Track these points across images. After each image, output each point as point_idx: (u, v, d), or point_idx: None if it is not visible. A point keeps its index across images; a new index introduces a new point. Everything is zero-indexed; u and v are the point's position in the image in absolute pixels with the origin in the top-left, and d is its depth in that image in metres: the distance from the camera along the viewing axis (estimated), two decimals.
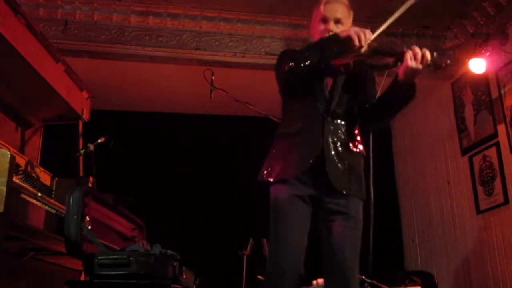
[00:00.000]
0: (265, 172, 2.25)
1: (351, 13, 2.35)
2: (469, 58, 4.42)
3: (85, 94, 3.29)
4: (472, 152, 4.72)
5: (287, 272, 2.09)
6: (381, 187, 6.08)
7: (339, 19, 2.26)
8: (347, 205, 2.18)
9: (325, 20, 2.26)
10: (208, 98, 3.44)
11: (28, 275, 2.48)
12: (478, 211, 4.59)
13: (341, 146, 2.20)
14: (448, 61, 2.10)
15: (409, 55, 2.03)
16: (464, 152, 4.85)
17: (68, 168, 3.08)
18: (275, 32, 4.67)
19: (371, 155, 2.24)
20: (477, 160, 4.65)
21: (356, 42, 2.01)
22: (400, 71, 2.10)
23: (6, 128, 2.93)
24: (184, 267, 2.55)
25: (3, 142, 2.48)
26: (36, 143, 3.24)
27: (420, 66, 2.03)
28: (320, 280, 3.85)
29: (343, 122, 2.24)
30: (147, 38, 4.48)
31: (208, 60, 4.51)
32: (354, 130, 2.30)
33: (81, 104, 3.24)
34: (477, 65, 4.35)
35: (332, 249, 2.14)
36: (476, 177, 4.64)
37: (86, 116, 3.27)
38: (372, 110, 2.30)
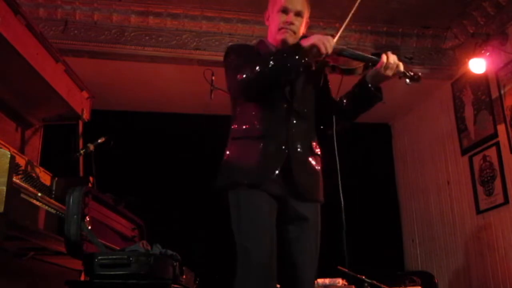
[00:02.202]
0: (226, 179, 2.11)
1: (309, 8, 2.25)
2: (469, 58, 4.42)
3: (85, 94, 3.29)
4: (472, 152, 4.72)
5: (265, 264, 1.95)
6: (381, 187, 6.13)
7: (299, 11, 2.18)
8: (310, 210, 2.11)
9: (285, 11, 2.16)
10: (208, 98, 3.44)
11: (28, 275, 2.48)
12: (478, 211, 4.59)
13: (305, 149, 2.12)
14: (420, 74, 2.10)
15: (383, 61, 2.00)
16: (464, 152, 4.85)
17: (68, 168, 3.08)
18: None
19: (337, 157, 2.12)
20: (477, 160, 4.65)
21: (323, 51, 1.95)
22: (370, 74, 2.08)
23: (6, 128, 2.93)
24: (184, 267, 2.56)
25: (3, 142, 2.48)
26: (36, 143, 3.24)
27: (391, 74, 2.03)
28: (321, 280, 3.85)
29: (305, 123, 2.16)
30: (147, 38, 4.48)
31: (208, 60, 4.51)
32: (315, 131, 2.22)
33: (81, 104, 3.24)
34: (477, 65, 4.35)
35: (291, 256, 2.05)
36: (476, 177, 4.64)
37: (86, 116, 3.26)
38: (335, 110, 2.22)
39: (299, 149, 2.09)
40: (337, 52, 2.04)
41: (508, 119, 4.26)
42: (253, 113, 2.11)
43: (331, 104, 2.23)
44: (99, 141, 3.03)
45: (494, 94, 4.43)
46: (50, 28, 4.28)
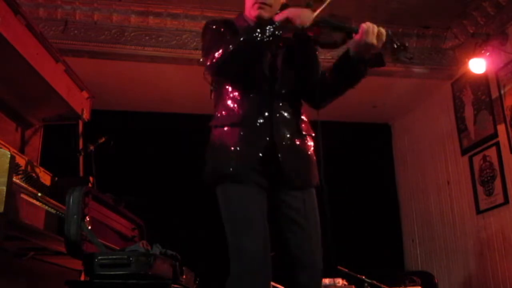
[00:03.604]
0: (210, 172, 2.01)
1: None
2: (469, 58, 4.42)
3: (85, 94, 3.29)
4: (472, 152, 4.72)
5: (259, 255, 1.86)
6: (381, 187, 6.13)
7: None
8: (303, 197, 1.97)
9: None
10: (208, 98, 3.44)
11: (28, 275, 2.48)
12: (478, 211, 4.59)
13: (292, 132, 1.99)
14: (407, 44, 1.97)
15: (363, 28, 1.86)
16: (464, 152, 4.85)
17: (68, 168, 3.08)
18: None
19: (320, 138, 2.01)
20: (477, 160, 4.65)
21: (297, 22, 1.84)
22: (353, 45, 1.91)
23: (6, 128, 2.93)
24: (184, 267, 2.56)
25: (3, 142, 2.48)
26: (36, 143, 3.24)
27: (375, 41, 1.87)
28: (326, 280, 3.84)
29: (289, 104, 2.02)
30: (147, 38, 4.48)
31: None
32: (301, 111, 2.08)
33: (81, 104, 3.24)
34: (477, 65, 4.35)
35: (294, 246, 1.93)
36: (476, 177, 4.64)
37: (86, 116, 3.26)
38: (318, 87, 2.07)
39: (284, 133, 1.97)
40: (317, 23, 1.92)
41: (508, 119, 4.26)
42: (232, 96, 2.00)
43: (316, 81, 2.09)
44: (99, 141, 3.03)
45: (494, 94, 4.43)
46: (50, 28, 4.28)
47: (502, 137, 4.33)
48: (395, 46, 1.95)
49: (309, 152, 2.05)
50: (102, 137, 3.06)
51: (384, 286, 3.92)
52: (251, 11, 2.08)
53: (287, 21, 1.87)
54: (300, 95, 2.11)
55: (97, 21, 4.41)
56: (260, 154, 1.92)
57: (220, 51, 1.90)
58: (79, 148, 3.09)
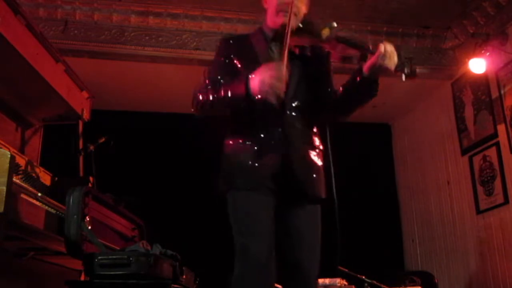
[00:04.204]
0: (224, 184, 2.07)
1: None
2: (469, 58, 4.42)
3: (85, 94, 3.29)
4: (472, 152, 4.72)
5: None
6: (381, 187, 6.12)
7: None
8: (311, 206, 2.04)
9: None
10: None
11: (28, 275, 2.48)
12: (478, 211, 4.59)
13: (304, 144, 2.04)
14: (417, 69, 1.98)
15: (381, 51, 1.87)
16: (464, 152, 4.86)
17: (68, 168, 3.08)
18: None
19: (329, 152, 2.04)
20: (477, 160, 4.65)
21: (272, 100, 1.84)
22: (366, 66, 1.94)
23: (6, 128, 2.93)
24: (184, 267, 2.56)
25: (3, 142, 2.48)
26: (36, 143, 3.24)
27: (392, 66, 1.89)
28: (321, 280, 3.85)
29: (301, 116, 2.05)
30: (147, 38, 4.48)
31: (208, 60, 4.46)
32: (313, 125, 2.13)
33: (81, 104, 3.24)
34: (477, 65, 4.35)
35: (293, 255, 1.99)
36: (476, 177, 4.64)
37: (86, 116, 3.26)
38: (331, 104, 2.10)
39: (297, 145, 2.02)
40: (337, 39, 1.96)
41: (508, 119, 4.26)
42: (247, 111, 2.02)
43: (328, 95, 2.12)
44: (99, 141, 3.03)
45: (494, 94, 4.43)
46: (50, 28, 4.28)
47: (502, 137, 4.33)
48: (406, 68, 1.95)
49: (320, 164, 2.08)
50: (102, 137, 3.06)
51: (384, 286, 3.92)
52: (275, 18, 2.07)
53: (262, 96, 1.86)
54: (313, 108, 2.11)
55: (97, 21, 4.41)
56: (274, 168, 1.96)
57: (203, 97, 2.09)
58: (79, 148, 3.09)
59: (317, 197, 2.06)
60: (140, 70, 4.77)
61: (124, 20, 4.46)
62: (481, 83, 4.60)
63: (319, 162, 2.08)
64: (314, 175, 2.05)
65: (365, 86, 2.00)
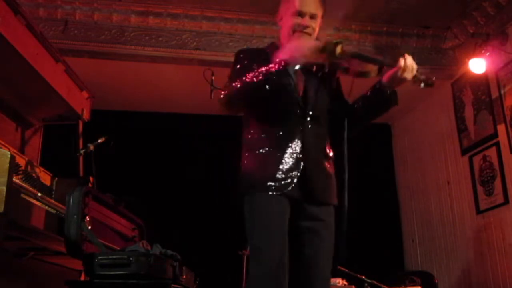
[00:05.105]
0: (245, 189, 2.11)
1: (323, 8, 2.23)
2: (469, 58, 4.42)
3: (85, 94, 3.29)
4: (472, 152, 4.72)
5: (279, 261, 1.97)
6: (381, 187, 6.12)
7: (314, 14, 2.16)
8: (325, 213, 2.11)
9: (301, 15, 2.14)
10: (208, 98, 3.44)
11: (28, 275, 2.48)
12: (478, 211, 4.59)
13: (320, 153, 2.13)
14: (434, 78, 2.06)
15: (401, 65, 1.98)
16: (464, 152, 4.86)
17: (68, 168, 3.08)
18: (275, 32, 4.64)
19: (345, 160, 2.11)
20: (477, 160, 4.65)
21: (297, 56, 1.97)
22: (386, 77, 2.05)
23: (6, 128, 2.93)
24: (184, 267, 2.56)
25: (3, 142, 2.48)
26: (36, 143, 3.24)
27: (410, 77, 2.00)
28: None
29: (320, 127, 2.15)
30: (147, 38, 4.48)
31: (208, 60, 4.51)
32: (328, 134, 2.22)
33: (81, 104, 3.24)
34: (477, 65, 4.35)
35: (307, 260, 2.05)
36: (476, 177, 4.64)
37: (86, 116, 3.26)
38: (347, 113, 2.20)
39: (314, 154, 2.09)
40: (351, 55, 2.03)
41: (508, 119, 4.26)
42: (267, 121, 2.11)
43: (344, 107, 2.22)
44: (99, 141, 3.03)
45: (494, 94, 4.43)
46: (50, 28, 4.28)
47: (502, 137, 4.33)
48: (423, 79, 2.04)
49: (332, 173, 2.18)
50: (102, 137, 3.05)
51: (384, 286, 3.92)
52: (291, 38, 2.15)
53: (289, 60, 1.97)
54: (329, 120, 2.20)
55: (97, 21, 4.41)
56: (294, 177, 2.02)
57: (234, 86, 2.06)
58: (79, 148, 3.09)
59: (329, 202, 2.13)
60: (140, 70, 4.78)
61: (124, 20, 4.46)
62: (481, 83, 4.60)
63: (332, 171, 2.17)
64: (328, 184, 2.13)
65: (384, 97, 2.11)
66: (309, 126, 2.11)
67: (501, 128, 4.35)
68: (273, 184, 2.02)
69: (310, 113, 2.12)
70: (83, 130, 3.21)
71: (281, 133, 2.08)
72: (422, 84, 2.04)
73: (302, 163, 2.05)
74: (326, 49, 1.98)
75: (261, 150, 2.09)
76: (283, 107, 2.11)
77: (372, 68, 2.05)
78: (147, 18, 4.49)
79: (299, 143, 2.07)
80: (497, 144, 4.39)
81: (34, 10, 4.23)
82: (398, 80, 2.02)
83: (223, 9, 4.52)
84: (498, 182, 4.35)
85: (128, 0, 4.38)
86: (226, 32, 4.61)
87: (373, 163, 5.80)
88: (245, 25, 4.61)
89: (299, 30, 2.14)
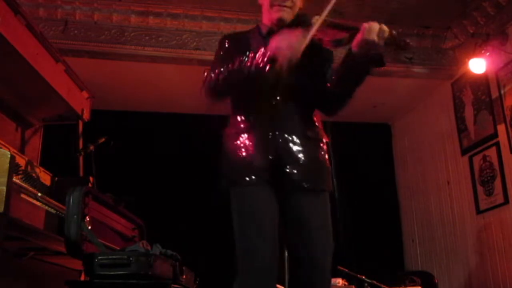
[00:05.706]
0: (222, 177, 2.05)
1: None
2: (469, 58, 4.42)
3: (85, 94, 3.29)
4: (472, 152, 4.72)
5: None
6: (381, 187, 6.13)
7: None
8: (314, 201, 1.98)
9: None
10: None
11: (28, 275, 2.48)
12: (478, 211, 4.59)
13: (299, 135, 1.99)
14: (409, 41, 1.98)
15: (365, 27, 1.85)
16: (464, 152, 4.85)
17: (68, 168, 3.08)
18: None
19: (330, 148, 2.05)
20: (477, 160, 4.65)
21: (287, 56, 1.83)
22: (355, 44, 1.89)
23: (6, 128, 2.93)
24: (184, 267, 2.56)
25: (3, 142, 2.48)
26: (36, 143, 3.24)
27: (376, 38, 1.84)
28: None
29: (298, 106, 2.02)
30: (147, 38, 4.48)
31: (208, 60, 4.49)
32: (311, 116, 2.09)
33: (81, 104, 3.24)
34: (477, 65, 4.35)
35: (301, 250, 1.94)
36: (476, 177, 4.64)
37: (86, 116, 3.27)
38: (326, 93, 2.06)
39: (291, 136, 1.98)
40: (324, 25, 1.94)
41: (508, 119, 4.26)
42: (241, 104, 2.05)
43: (324, 82, 2.07)
44: (99, 141, 3.03)
45: (494, 94, 4.43)
46: (50, 28, 4.27)
47: (502, 137, 4.33)
48: (398, 44, 1.96)
49: (319, 157, 2.04)
50: (102, 137, 3.06)
51: (384, 286, 3.92)
52: (270, 14, 2.07)
53: (280, 60, 1.85)
54: (310, 100, 2.08)
55: (97, 21, 4.41)
56: (269, 162, 1.94)
57: (212, 76, 1.99)
58: (79, 148, 3.09)
59: (315, 188, 2.00)
60: (140, 70, 4.77)
61: (124, 20, 4.46)
62: (481, 83, 4.59)
63: (318, 154, 2.04)
64: (312, 168, 2.00)
65: (356, 65, 1.94)
66: (285, 106, 2.00)
67: (501, 128, 4.35)
68: (248, 170, 1.94)
69: (288, 96, 2.01)
70: (83, 130, 3.21)
71: (252, 116, 2.01)
72: (394, 47, 1.95)
73: (274, 146, 1.95)
74: (305, 22, 1.91)
75: (233, 136, 2.04)
76: (259, 89, 1.98)
77: (346, 36, 1.96)
78: (147, 18, 4.48)
79: (271, 125, 1.98)
80: (497, 144, 4.39)
81: (34, 10, 4.22)
82: (365, 43, 1.86)
83: (223, 9, 4.52)
84: (498, 182, 4.35)
85: (128, 0, 4.38)
86: (226, 32, 4.60)
87: (373, 163, 5.80)
88: (245, 25, 4.59)
89: (277, 4, 2.03)
